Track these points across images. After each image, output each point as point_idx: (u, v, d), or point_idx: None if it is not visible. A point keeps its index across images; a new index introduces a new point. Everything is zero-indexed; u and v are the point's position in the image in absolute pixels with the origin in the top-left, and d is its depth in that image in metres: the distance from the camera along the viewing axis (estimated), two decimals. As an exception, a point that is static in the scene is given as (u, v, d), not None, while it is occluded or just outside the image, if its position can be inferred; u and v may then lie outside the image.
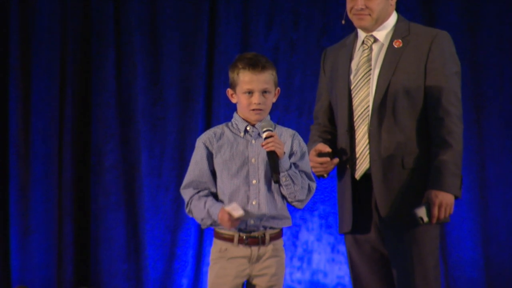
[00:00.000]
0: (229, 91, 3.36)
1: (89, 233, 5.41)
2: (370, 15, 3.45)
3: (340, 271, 5.28)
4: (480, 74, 5.30)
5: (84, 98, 5.45)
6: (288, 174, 3.27)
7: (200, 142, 3.37)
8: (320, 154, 3.47)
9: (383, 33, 3.49)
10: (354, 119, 3.46)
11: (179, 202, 5.36)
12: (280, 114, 5.32)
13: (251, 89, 3.28)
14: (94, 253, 5.39)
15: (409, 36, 3.46)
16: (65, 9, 5.39)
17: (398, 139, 3.41)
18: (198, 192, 3.32)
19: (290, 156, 3.35)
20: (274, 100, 3.36)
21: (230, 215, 3.19)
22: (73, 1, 5.41)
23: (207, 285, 3.37)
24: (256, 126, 3.34)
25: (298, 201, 3.33)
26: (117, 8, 5.44)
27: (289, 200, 3.34)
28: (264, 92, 3.29)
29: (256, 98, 3.28)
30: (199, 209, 3.29)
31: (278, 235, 3.36)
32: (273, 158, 3.22)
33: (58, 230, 5.34)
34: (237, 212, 3.19)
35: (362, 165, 3.45)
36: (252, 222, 3.29)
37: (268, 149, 3.22)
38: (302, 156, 3.38)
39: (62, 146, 5.38)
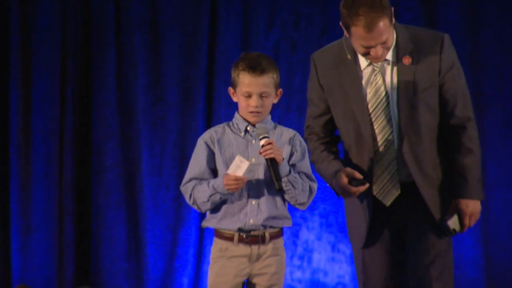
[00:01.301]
0: (231, 90, 3.37)
1: (89, 232, 5.41)
2: (387, 49, 3.28)
3: (341, 270, 5.29)
4: (481, 73, 5.30)
5: (85, 97, 5.45)
6: (288, 180, 3.27)
7: (202, 141, 3.38)
8: (355, 183, 3.29)
9: (389, 52, 3.32)
10: (378, 146, 3.35)
11: (179, 201, 5.36)
12: (281, 113, 5.32)
13: (250, 91, 3.28)
14: (95, 252, 5.39)
15: (414, 48, 3.32)
16: (65, 9, 5.39)
17: (428, 155, 3.35)
18: (199, 181, 3.34)
19: (291, 156, 3.36)
20: (275, 101, 3.36)
21: (235, 176, 3.19)
22: (74, 0, 5.41)
23: (208, 284, 3.38)
24: (256, 126, 3.34)
25: (300, 204, 3.34)
26: (118, 8, 5.43)
27: (292, 203, 3.35)
28: (262, 95, 3.29)
29: (254, 101, 3.29)
30: (203, 191, 3.30)
31: (278, 234, 3.37)
32: (273, 165, 3.22)
33: (58, 229, 5.34)
34: (241, 169, 3.19)
35: (393, 191, 3.35)
36: (251, 221, 3.29)
37: (267, 157, 3.22)
38: (303, 156, 3.38)
39: (62, 145, 5.38)
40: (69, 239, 5.35)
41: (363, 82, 3.36)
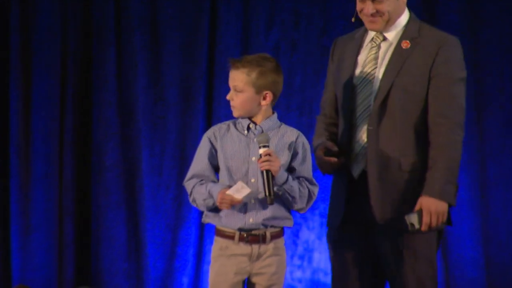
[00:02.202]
0: None
1: (89, 232, 5.41)
2: (381, 17, 3.39)
3: (341, 270, 5.28)
4: (481, 73, 5.30)
5: (85, 97, 5.45)
6: (285, 189, 3.26)
7: (206, 137, 3.38)
8: (327, 153, 3.39)
9: (393, 33, 3.43)
10: (356, 116, 3.41)
11: (179, 200, 5.36)
12: (281, 113, 5.27)
13: (230, 86, 3.34)
14: (95, 252, 5.39)
15: (418, 38, 3.39)
16: (65, 9, 5.39)
17: (397, 141, 3.35)
18: (201, 180, 3.34)
19: (293, 156, 3.34)
20: (264, 103, 3.33)
21: (232, 197, 3.20)
22: (74, 0, 5.41)
23: (209, 282, 3.37)
24: (259, 124, 3.34)
25: (298, 209, 3.34)
26: (118, 7, 5.44)
27: (289, 208, 3.35)
28: (236, 89, 3.30)
29: (229, 93, 3.33)
30: (201, 192, 3.30)
31: (279, 234, 3.36)
32: (267, 177, 3.20)
33: (58, 229, 5.34)
34: (240, 193, 3.19)
35: (360, 164, 3.40)
36: (251, 220, 3.29)
37: (262, 169, 3.21)
38: (304, 159, 3.37)
39: (62, 145, 5.38)
40: (69, 239, 5.35)
41: (361, 54, 3.46)
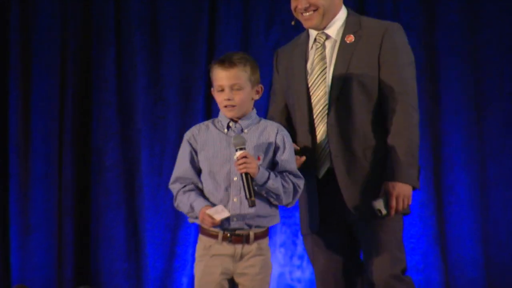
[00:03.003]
0: (212, 90, 3.37)
1: (89, 232, 5.41)
2: (316, 11, 3.42)
3: (340, 270, 5.28)
4: (481, 73, 5.30)
5: (85, 97, 5.45)
6: (268, 189, 3.25)
7: (185, 139, 3.37)
8: None
9: (334, 29, 3.47)
10: (314, 117, 3.45)
11: (179, 201, 5.36)
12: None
13: (221, 85, 3.29)
14: (94, 252, 5.39)
15: (360, 30, 3.44)
16: (65, 9, 5.40)
17: (357, 133, 3.40)
18: (184, 186, 3.32)
19: (275, 151, 3.33)
20: (256, 97, 3.34)
21: (211, 217, 3.19)
22: (74, 1, 5.42)
23: (195, 282, 3.36)
24: (239, 122, 3.33)
25: (285, 204, 3.33)
26: (118, 8, 5.44)
27: (276, 204, 3.34)
28: (233, 87, 3.28)
29: (225, 94, 3.28)
30: (184, 203, 3.30)
31: (264, 234, 3.34)
32: (247, 180, 3.19)
33: (58, 229, 5.34)
34: (220, 215, 3.18)
35: (324, 163, 3.44)
36: (234, 219, 3.27)
37: (240, 171, 3.19)
38: (286, 153, 3.35)
39: (62, 145, 5.38)
40: (68, 239, 5.35)
41: (309, 58, 3.49)
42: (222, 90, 3.29)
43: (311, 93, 3.45)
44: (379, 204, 3.32)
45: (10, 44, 5.36)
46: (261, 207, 3.27)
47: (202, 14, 5.42)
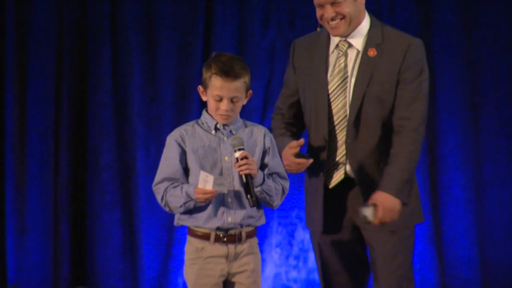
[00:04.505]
0: (200, 88, 3.35)
1: (85, 232, 5.41)
2: (342, 19, 3.41)
3: (336, 270, 5.28)
4: (476, 73, 5.31)
5: (80, 97, 5.44)
6: (263, 190, 3.27)
7: (172, 140, 3.35)
8: (298, 155, 3.44)
9: (357, 40, 3.46)
10: (334, 126, 3.46)
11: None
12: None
13: (221, 95, 3.26)
14: (90, 252, 5.38)
15: (383, 43, 3.43)
16: (61, 8, 5.38)
17: (375, 151, 3.42)
18: (172, 183, 3.31)
19: (263, 154, 3.35)
20: (245, 102, 3.35)
21: (203, 189, 3.18)
22: (69, 0, 5.40)
23: (188, 286, 3.35)
24: (228, 125, 3.33)
25: (274, 206, 3.36)
26: (113, 7, 5.43)
27: (265, 205, 3.36)
28: (233, 99, 3.28)
29: (224, 105, 3.26)
30: (176, 196, 3.28)
31: (253, 233, 3.37)
32: (248, 180, 3.21)
33: (54, 229, 5.33)
34: (209, 184, 3.17)
35: (338, 173, 3.46)
36: (230, 219, 3.28)
37: (242, 173, 3.21)
38: (274, 155, 3.37)
39: (58, 145, 5.37)
40: (64, 239, 5.35)
41: (329, 63, 3.48)
42: (220, 100, 3.28)
43: (331, 101, 3.45)
44: (367, 211, 3.34)
45: (5, 43, 5.34)
46: (252, 208, 3.29)
47: (198, 14, 5.41)
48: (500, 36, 5.30)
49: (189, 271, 3.33)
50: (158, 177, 3.35)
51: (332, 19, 3.41)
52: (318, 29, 3.58)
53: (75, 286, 5.34)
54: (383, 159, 3.42)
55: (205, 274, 3.28)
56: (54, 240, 5.33)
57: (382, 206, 3.33)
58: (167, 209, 3.34)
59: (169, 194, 3.30)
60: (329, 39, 3.51)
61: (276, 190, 3.31)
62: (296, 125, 3.59)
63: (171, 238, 5.36)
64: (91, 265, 5.38)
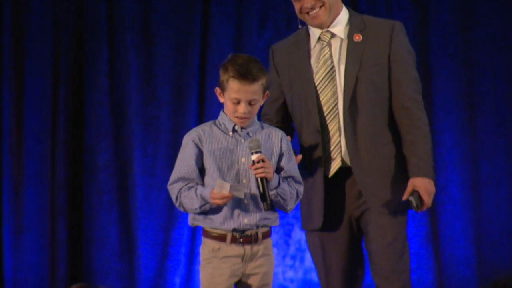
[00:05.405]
0: (218, 90, 3.33)
1: (82, 232, 5.40)
2: (322, 6, 3.44)
3: (333, 270, 5.28)
4: (474, 72, 5.31)
5: (77, 97, 5.44)
6: (278, 193, 3.26)
7: (189, 139, 3.33)
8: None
9: (339, 28, 3.50)
10: (324, 116, 3.47)
11: (172, 201, 5.34)
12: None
13: (239, 98, 3.24)
14: (87, 252, 5.38)
15: (366, 29, 3.48)
16: (58, 8, 5.39)
17: (371, 132, 3.45)
18: (186, 184, 3.29)
19: (280, 157, 3.34)
20: (262, 103, 3.34)
21: (221, 195, 3.18)
22: (66, 0, 5.41)
23: (200, 285, 3.35)
24: (246, 127, 3.32)
25: (288, 210, 3.35)
26: (110, 7, 5.43)
27: (280, 209, 3.35)
28: (251, 102, 3.26)
29: (242, 107, 3.24)
30: (190, 198, 3.26)
31: (268, 233, 3.37)
32: (263, 184, 3.20)
33: (51, 229, 5.33)
34: (225, 190, 3.16)
35: (335, 162, 3.47)
36: (246, 221, 3.28)
37: (258, 176, 3.20)
38: (290, 158, 3.37)
39: (55, 144, 5.37)
40: (61, 239, 5.34)
41: (312, 56, 3.51)
42: (238, 102, 3.26)
43: (318, 93, 3.47)
44: (416, 199, 3.39)
45: (2, 43, 5.34)
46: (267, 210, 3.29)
47: (195, 14, 5.42)
48: (497, 36, 5.30)
49: (204, 271, 3.32)
50: (173, 176, 3.33)
51: (312, 8, 3.44)
52: (300, 26, 3.59)
53: (74, 283, 5.34)
54: (382, 142, 3.46)
55: (220, 273, 3.28)
56: (51, 240, 5.33)
57: (425, 191, 3.39)
58: (181, 209, 3.33)
59: (183, 196, 3.28)
60: (308, 35, 3.55)
61: (290, 194, 3.30)
62: (285, 128, 3.57)
63: (168, 238, 5.36)
64: (88, 265, 5.38)
